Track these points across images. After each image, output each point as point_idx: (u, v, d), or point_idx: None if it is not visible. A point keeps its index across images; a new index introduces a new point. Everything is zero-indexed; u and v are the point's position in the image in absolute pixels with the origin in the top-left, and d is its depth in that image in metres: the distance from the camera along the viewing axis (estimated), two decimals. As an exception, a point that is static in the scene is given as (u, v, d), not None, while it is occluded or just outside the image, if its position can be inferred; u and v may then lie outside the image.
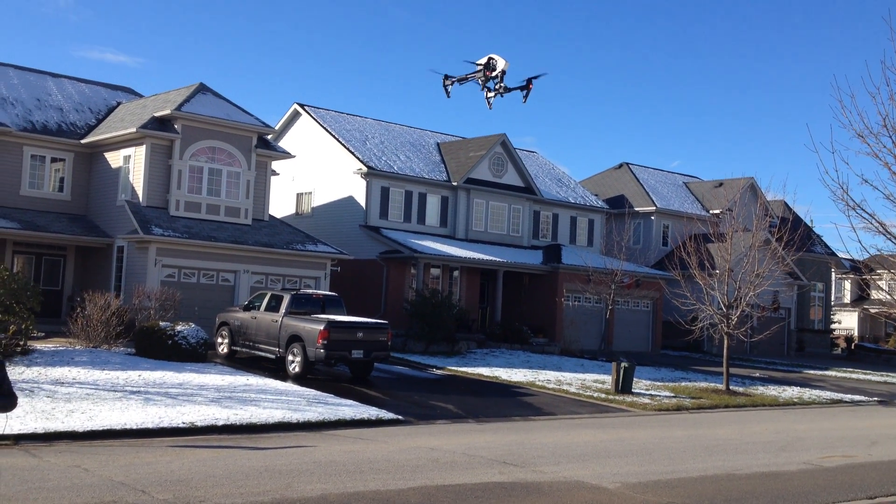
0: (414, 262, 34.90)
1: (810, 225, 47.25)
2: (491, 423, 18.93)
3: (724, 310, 27.54)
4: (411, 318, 32.43)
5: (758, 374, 33.41)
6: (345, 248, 33.25)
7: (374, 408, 18.81)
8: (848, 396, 28.28)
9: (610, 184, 51.07)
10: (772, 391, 28.08)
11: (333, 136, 38.48)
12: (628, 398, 23.92)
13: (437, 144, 42.63)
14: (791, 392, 28.21)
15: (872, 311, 72.79)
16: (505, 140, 40.47)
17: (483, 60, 27.75)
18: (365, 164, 36.48)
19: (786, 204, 42.48)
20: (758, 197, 42.48)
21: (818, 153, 12.56)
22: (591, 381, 26.98)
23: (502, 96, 27.29)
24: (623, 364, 24.97)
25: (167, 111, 29.92)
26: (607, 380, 26.24)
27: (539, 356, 33.27)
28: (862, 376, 36.40)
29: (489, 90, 27.66)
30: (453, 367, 27.83)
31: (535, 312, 38.70)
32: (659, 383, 27.83)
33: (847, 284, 72.89)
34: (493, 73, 26.82)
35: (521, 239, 41.02)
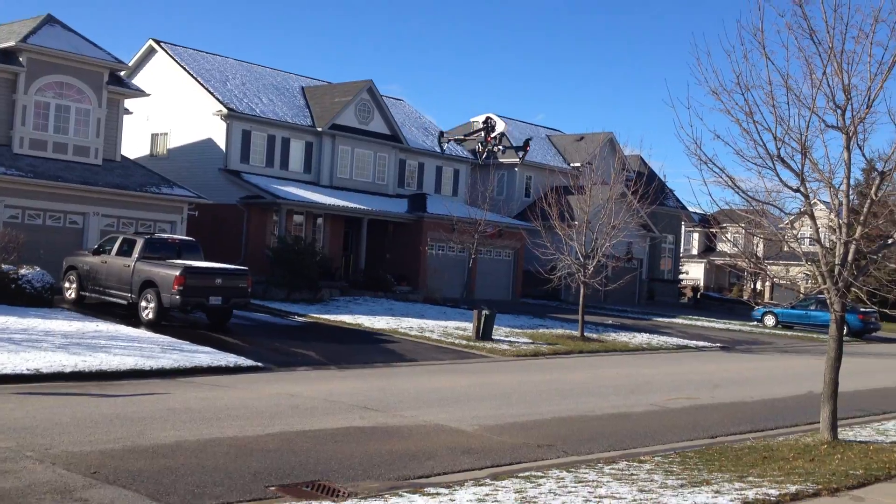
0: (276, 208, 34.20)
1: (664, 180, 49.01)
2: (353, 370, 18.89)
3: (582, 260, 28.32)
4: (273, 266, 31.87)
5: (611, 322, 34.67)
6: (203, 193, 32.19)
7: (232, 355, 18.42)
8: (693, 342, 29.73)
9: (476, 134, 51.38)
10: (623, 337, 29.20)
11: (192, 76, 36.97)
12: (488, 345, 24.35)
13: (302, 88, 41.67)
14: (641, 338, 29.41)
15: (718, 262, 76.74)
16: (372, 87, 39.97)
17: (480, 119, 27.60)
18: (225, 106, 35.29)
19: (642, 159, 43.96)
20: (616, 151, 43.77)
21: (674, 108, 12.89)
22: (453, 328, 27.31)
23: (501, 153, 27.21)
24: (484, 312, 25.36)
25: (11, 43, 27.95)
26: (469, 327, 26.62)
27: (402, 304, 33.41)
28: (706, 323, 38.33)
29: (484, 148, 27.63)
30: (316, 315, 27.58)
31: (399, 261, 38.76)
32: (518, 330, 28.45)
33: (696, 237, 76.41)
34: (493, 135, 26.71)
35: (386, 187, 40.83)
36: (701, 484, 9.63)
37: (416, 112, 48.14)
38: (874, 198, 12.18)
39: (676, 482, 9.71)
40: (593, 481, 9.75)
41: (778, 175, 12.33)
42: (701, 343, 29.92)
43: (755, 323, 40.03)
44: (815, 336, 36.04)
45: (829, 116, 12.29)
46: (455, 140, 27.38)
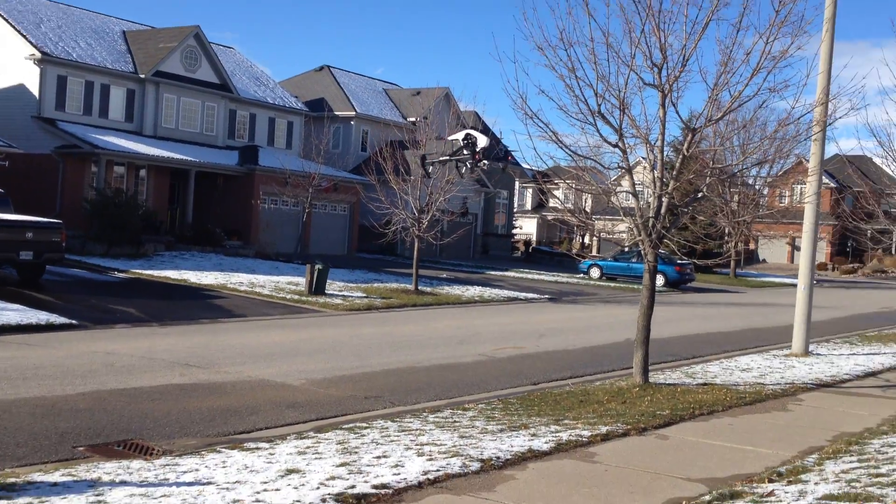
0: (95, 158, 32.39)
1: (499, 136, 49.79)
2: (176, 327, 18.24)
3: (416, 214, 28.41)
4: (91, 219, 30.27)
5: (445, 275, 35.09)
6: (14, 141, 30.05)
7: (44, 312, 17.40)
8: (523, 294, 30.54)
9: (310, 86, 50.39)
10: (456, 290, 29.62)
11: (1, 17, 34.25)
12: (321, 299, 24.11)
13: (124, 33, 39.43)
14: (474, 291, 29.94)
15: (549, 217, 79.15)
16: (199, 32, 38.33)
17: (460, 136, 26.36)
18: (39, 50, 32.95)
19: (477, 114, 44.33)
20: (451, 106, 43.97)
21: (502, 63, 13.00)
22: (286, 283, 26.88)
23: (483, 168, 26.27)
24: (317, 266, 25.06)
25: None
26: (301, 282, 26.26)
27: (232, 259, 32.56)
28: (537, 276, 39.47)
29: (473, 166, 26.51)
30: (138, 270, 26.44)
31: (230, 215, 37.68)
32: (352, 284, 28.33)
33: (529, 193, 78.38)
34: (477, 150, 25.60)
35: (215, 139, 39.46)
36: (519, 428, 9.87)
37: (248, 61, 46.68)
38: (686, 154, 12.73)
39: (496, 427, 9.91)
40: (416, 430, 9.82)
41: (598, 131, 12.67)
42: (531, 295, 30.77)
43: (582, 275, 41.59)
44: (635, 287, 37.74)
45: (647, 74, 12.70)
46: (440, 162, 27.13)
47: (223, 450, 8.83)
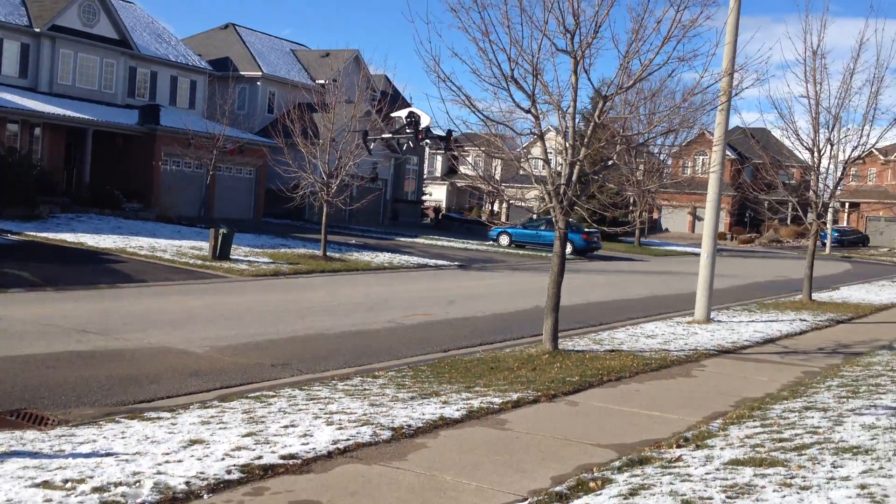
0: (-14, 115, 30.79)
1: (409, 101, 49.36)
2: (72, 292, 17.52)
3: (325, 178, 27.94)
4: (-18, 179, 28.79)
5: (354, 241, 34.76)
6: None
7: (-72, 276, 16.46)
8: (433, 261, 30.48)
9: (215, 45, 48.88)
10: (366, 257, 29.36)
11: None
12: (226, 264, 23.55)
13: (17, -17, 37.44)
14: (383, 258, 29.72)
15: (460, 183, 79.25)
16: (98, -15, 36.68)
17: (402, 113, 25.28)
18: (-79, -3, 31.01)
19: (387, 78, 43.80)
20: (361, 69, 43.31)
21: (414, 23, 12.70)
22: (188, 247, 26.15)
23: (429, 146, 25.46)
24: (222, 230, 24.43)
25: None
26: (205, 246, 25.58)
27: (133, 222, 31.51)
28: (447, 243, 39.46)
29: (415, 144, 25.48)
30: (32, 233, 25.30)
31: (130, 176, 36.36)
32: (258, 250, 27.77)
33: (439, 159, 78.25)
34: (420, 129, 24.62)
35: (115, 97, 37.97)
36: (430, 396, 9.78)
37: (150, 17, 44.96)
38: (597, 121, 12.75)
39: (407, 395, 9.80)
40: (325, 398, 9.62)
41: (511, 96, 12.56)
42: (440, 262, 30.73)
43: (491, 242, 41.78)
44: (543, 254, 38.17)
45: (560, 41, 12.62)
46: (381, 139, 26.40)
47: (122, 420, 8.49)
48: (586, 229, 39.78)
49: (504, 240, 41.44)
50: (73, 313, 14.71)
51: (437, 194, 76.23)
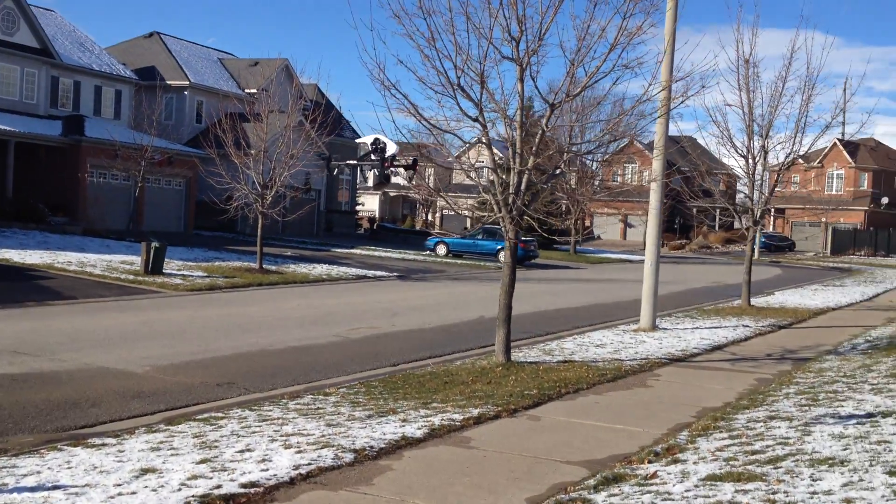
0: None
1: (341, 110, 48.90)
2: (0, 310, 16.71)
3: (260, 189, 27.36)
4: None
5: (290, 253, 34.16)
6: None
7: None
8: (372, 272, 30.08)
9: (140, 53, 47.67)
10: (303, 269, 28.83)
11: None
12: (159, 279, 22.84)
13: (-70, -11, 35.95)
14: (321, 269, 29.23)
15: (392, 193, 78.87)
16: (16, -8, 35.43)
17: (368, 140, 24.39)
18: None
19: (318, 88, 43.29)
20: (292, 79, 42.71)
21: (357, 29, 12.38)
22: (119, 262, 25.30)
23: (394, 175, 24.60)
24: (154, 244, 23.69)
25: None
26: (136, 261, 24.78)
27: (59, 236, 30.40)
28: (384, 254, 39.09)
29: (381, 173, 24.61)
30: (-47, 250, 24.19)
31: (54, 189, 35.14)
32: (192, 263, 27.03)
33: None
34: (386, 156, 23.80)
35: (36, 107, 36.69)
36: (388, 413, 9.47)
37: (71, 25, 43.64)
38: (545, 129, 12.61)
39: (364, 413, 9.47)
40: (278, 419, 9.24)
41: (458, 104, 12.32)
42: (379, 273, 30.36)
43: (428, 252, 41.50)
44: (482, 264, 38.12)
45: (506, 48, 12.46)
46: (346, 166, 25.86)
47: (65, 447, 8.01)
48: (524, 238, 39.87)
49: (441, 249, 41.23)
50: (2, 333, 13.99)
51: (369, 204, 75.75)
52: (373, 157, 24.40)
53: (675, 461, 7.35)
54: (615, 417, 9.66)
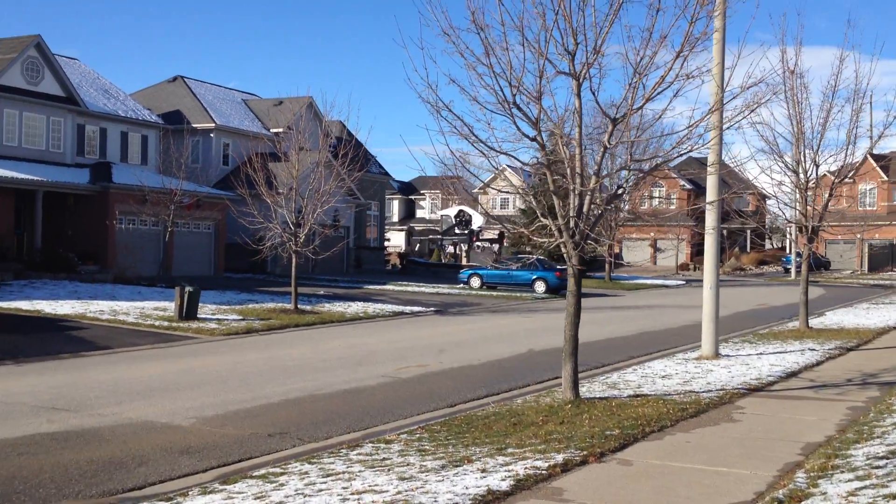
0: (-73, 180, 29.09)
1: (366, 146, 48.39)
2: (34, 364, 16.04)
3: (292, 228, 26.73)
4: (-74, 247, 27.06)
5: (322, 292, 33.46)
6: None
7: None
8: (408, 308, 29.28)
9: (164, 98, 47.59)
10: (338, 307, 28.09)
11: None
12: (194, 324, 22.17)
13: (-45, 42, 35.92)
14: (356, 307, 28.47)
15: (417, 228, 78.31)
16: (41, 42, 35.26)
17: (451, 212, 24.36)
18: None
19: (343, 124, 42.79)
20: (316, 116, 42.39)
21: (407, 49, 11.70)
22: (152, 308, 24.67)
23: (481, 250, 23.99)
24: (187, 289, 23.05)
25: None
26: (170, 307, 24.15)
27: (89, 285, 29.87)
28: (417, 288, 38.30)
29: (470, 245, 24.43)
30: (-16, 302, 23.65)
31: (84, 238, 34.73)
32: (226, 307, 26.36)
33: (396, 204, 77.31)
34: (471, 229, 23.62)
35: (63, 156, 36.39)
36: (462, 462, 8.62)
37: (94, 73, 43.53)
38: (608, 145, 11.84)
39: (436, 463, 8.62)
40: (343, 473, 8.41)
41: (515, 123, 11.59)
42: (416, 308, 29.55)
43: (462, 285, 40.66)
44: (517, 295, 37.23)
45: (561, 63, 11.73)
46: (429, 240, 25.80)
47: (114, 516, 7.24)
48: (559, 266, 38.99)
49: (475, 282, 40.37)
50: (38, 388, 13.29)
51: (395, 239, 75.19)
52: (457, 230, 23.73)
53: (808, 510, 6.44)
54: (713, 459, 8.75)
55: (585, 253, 12.31)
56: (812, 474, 7.61)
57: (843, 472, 7.57)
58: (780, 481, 7.64)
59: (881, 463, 7.68)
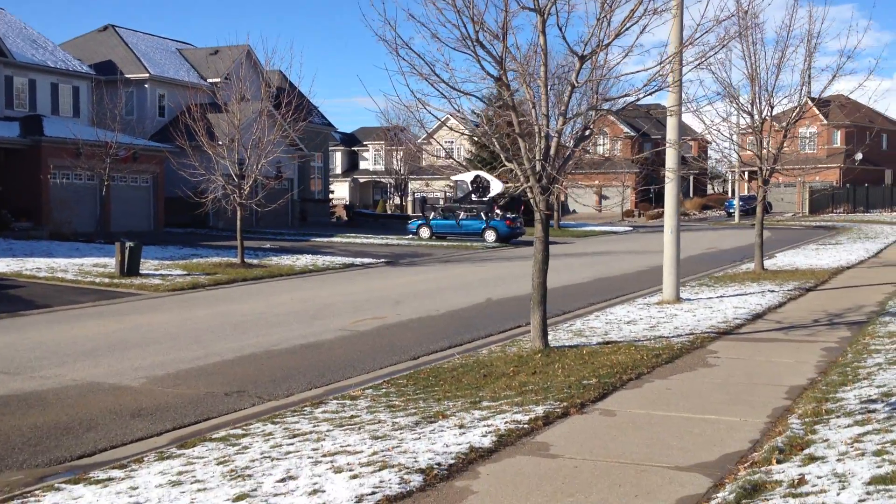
0: None
1: (309, 97, 47.04)
2: (-33, 326, 15.13)
3: (236, 180, 25.76)
4: None
5: (269, 245, 32.60)
6: None
7: None
8: (358, 260, 28.62)
9: (95, 48, 45.54)
10: (287, 261, 27.32)
11: None
12: (137, 280, 21.28)
13: None
14: (305, 260, 27.73)
15: (362, 179, 77.25)
16: (-39, -13, 33.31)
17: (467, 177, 22.75)
18: None
19: (282, 74, 41.40)
20: (255, 66, 41.01)
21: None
22: (91, 265, 23.66)
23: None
24: (128, 244, 22.09)
25: None
26: (110, 263, 23.17)
27: (24, 242, 28.62)
28: (365, 240, 37.59)
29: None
30: (-90, 262, 22.40)
31: (16, 194, 33.21)
32: (169, 262, 25.44)
33: (339, 155, 75.96)
34: (490, 195, 22.21)
35: (-9, 109, 34.67)
36: (437, 418, 8.15)
37: (21, 23, 41.39)
38: (576, 83, 11.29)
39: (409, 420, 8.14)
40: (311, 433, 7.88)
41: (479, 62, 10.97)
42: (366, 260, 28.90)
43: (411, 236, 40.00)
44: (468, 244, 36.77)
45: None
46: (445, 208, 24.35)
47: (64, 485, 6.68)
48: (509, 215, 38.63)
49: (425, 232, 39.73)
50: (-28, 352, 12.47)
51: (339, 191, 74.04)
52: (474, 196, 22.87)
53: (812, 459, 6.09)
54: (699, 406, 8.40)
55: (552, 196, 11.84)
56: (806, 420, 7.29)
57: (838, 416, 7.26)
58: (774, 428, 7.31)
59: (878, 406, 7.39)
